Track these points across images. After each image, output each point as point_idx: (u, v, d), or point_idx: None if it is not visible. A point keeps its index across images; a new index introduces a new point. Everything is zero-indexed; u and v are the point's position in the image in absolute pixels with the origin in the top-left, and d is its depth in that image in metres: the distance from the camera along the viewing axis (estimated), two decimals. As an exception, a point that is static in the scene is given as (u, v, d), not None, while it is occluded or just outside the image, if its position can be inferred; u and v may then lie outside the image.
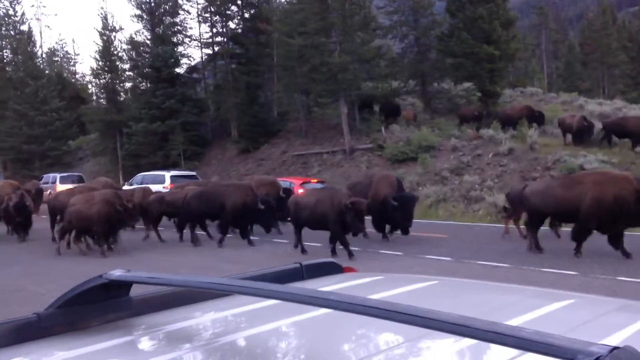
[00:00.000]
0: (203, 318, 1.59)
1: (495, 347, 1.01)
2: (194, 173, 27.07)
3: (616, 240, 10.57)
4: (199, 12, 38.97)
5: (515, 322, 1.36)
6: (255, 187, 14.80)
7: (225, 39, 38.61)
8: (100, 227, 13.07)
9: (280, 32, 31.97)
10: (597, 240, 11.10)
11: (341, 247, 11.82)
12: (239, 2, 37.50)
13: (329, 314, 1.39)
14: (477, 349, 1.20)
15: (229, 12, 38.13)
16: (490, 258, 10.96)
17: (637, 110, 29.65)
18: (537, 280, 8.81)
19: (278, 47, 32.78)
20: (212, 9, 38.12)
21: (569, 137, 23.47)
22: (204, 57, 41.59)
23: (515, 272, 9.71)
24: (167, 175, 24.79)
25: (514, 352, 0.98)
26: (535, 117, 25.70)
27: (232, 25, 38.63)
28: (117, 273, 1.46)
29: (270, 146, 32.88)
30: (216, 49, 39.27)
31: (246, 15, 37.80)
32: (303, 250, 12.35)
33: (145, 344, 1.41)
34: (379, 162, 26.16)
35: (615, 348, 0.81)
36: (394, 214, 12.73)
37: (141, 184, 23.15)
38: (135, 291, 1.55)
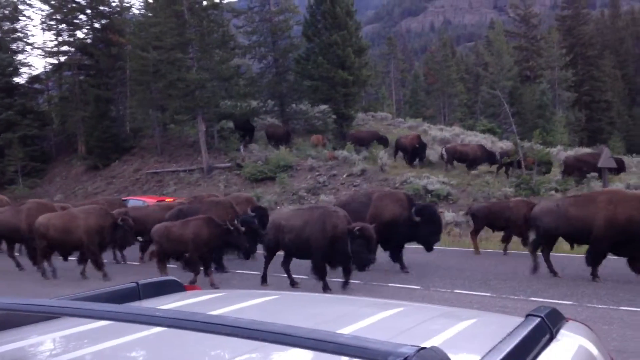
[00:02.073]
0: (18, 344, 1.44)
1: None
2: None
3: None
4: (43, 19, 36.23)
5: (347, 330, 1.40)
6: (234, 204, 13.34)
7: (72, 49, 36.26)
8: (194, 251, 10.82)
9: (134, 45, 30.83)
10: (437, 255, 11.99)
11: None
12: (88, 11, 35.51)
13: (163, 332, 1.32)
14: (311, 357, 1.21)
15: (77, 21, 35.94)
16: (340, 275, 11.29)
17: (473, 137, 32.81)
18: (383, 294, 9.28)
19: (131, 60, 31.54)
20: (58, 17, 35.64)
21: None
22: (47, 67, 38.73)
23: (365, 288, 10.13)
24: None
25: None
26: (417, 148, 25.08)
27: (80, 34, 36.45)
28: None
29: (122, 163, 31.32)
30: (62, 59, 36.74)
31: (96, 25, 35.85)
32: (293, 283, 10.36)
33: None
34: (238, 181, 26.06)
35: (422, 348, 0.86)
36: (418, 231, 11.08)
37: None
38: None
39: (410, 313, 1.74)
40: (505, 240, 13.64)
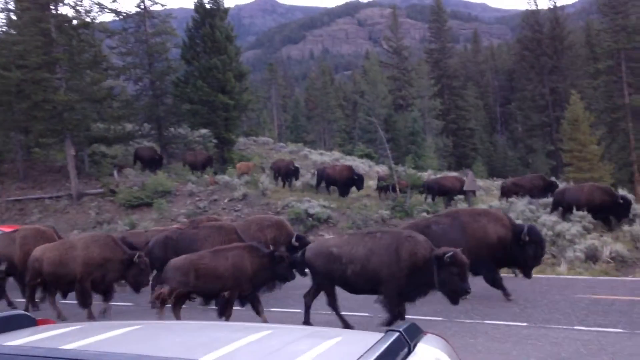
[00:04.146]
0: None
1: None
2: None
3: None
4: None
5: (213, 355, 1.36)
6: (258, 229, 11.65)
7: None
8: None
9: (-6, 63, 28.51)
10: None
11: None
12: (-59, 25, 32.42)
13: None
14: None
15: None
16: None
17: (352, 161, 33.91)
18: (268, 319, 9.18)
19: (-9, 79, 29.09)
20: None
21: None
22: None
23: (247, 314, 9.98)
24: None
25: None
26: (354, 180, 23.78)
27: None
28: None
29: (-21, 190, 28.59)
30: None
31: (-50, 40, 32.77)
32: (346, 325, 8.77)
33: None
34: (111, 208, 24.79)
35: None
36: (522, 253, 10.23)
37: None
38: None
39: (278, 335, 1.72)
40: None
